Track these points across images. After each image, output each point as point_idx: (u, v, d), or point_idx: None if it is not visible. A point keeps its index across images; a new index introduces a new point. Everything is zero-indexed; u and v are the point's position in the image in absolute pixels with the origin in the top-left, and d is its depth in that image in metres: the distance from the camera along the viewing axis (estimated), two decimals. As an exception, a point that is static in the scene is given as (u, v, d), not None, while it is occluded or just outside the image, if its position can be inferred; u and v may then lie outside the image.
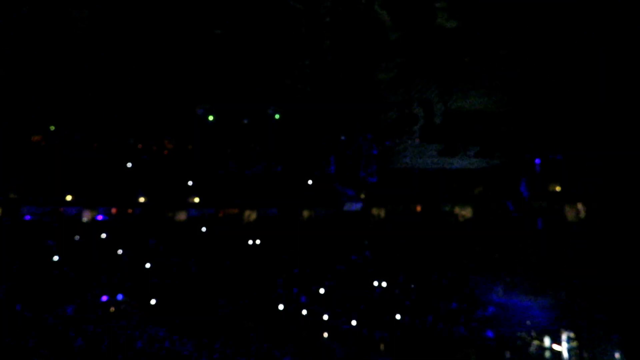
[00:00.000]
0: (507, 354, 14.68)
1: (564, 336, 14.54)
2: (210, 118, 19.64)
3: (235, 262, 18.30)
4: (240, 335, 15.79)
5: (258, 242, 19.04)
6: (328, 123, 19.70)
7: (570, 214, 18.40)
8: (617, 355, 13.96)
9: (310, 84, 18.91)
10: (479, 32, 16.95)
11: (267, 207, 19.43)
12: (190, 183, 19.68)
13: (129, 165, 19.72)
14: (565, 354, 14.29)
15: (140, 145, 19.98)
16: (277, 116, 19.69)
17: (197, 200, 19.52)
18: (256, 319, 16.44)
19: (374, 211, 19.37)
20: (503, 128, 19.10)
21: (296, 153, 19.94)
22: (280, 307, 16.75)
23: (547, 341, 14.64)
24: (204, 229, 19.22)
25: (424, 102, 19.31)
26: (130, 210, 19.57)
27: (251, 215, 19.25)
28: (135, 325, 16.07)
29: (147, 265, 18.24)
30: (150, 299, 17.01)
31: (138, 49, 18.30)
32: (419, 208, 19.42)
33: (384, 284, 17.42)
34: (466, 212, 19.14)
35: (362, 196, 19.45)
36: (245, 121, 18.80)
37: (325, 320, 16.34)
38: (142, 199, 19.54)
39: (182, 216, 19.34)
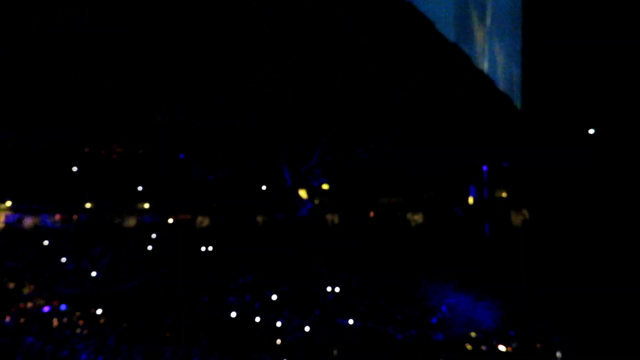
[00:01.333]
0: (456, 356, 15.05)
1: (509, 336, 15.07)
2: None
3: (186, 269, 17.91)
4: (190, 344, 15.42)
5: (211, 248, 18.73)
6: (285, 129, 19.71)
7: (515, 219, 19.20)
8: (558, 354, 14.60)
9: (274, 87, 18.87)
10: None
11: (220, 212, 19.17)
12: (140, 188, 19.15)
13: (75, 169, 18.97)
14: (510, 354, 14.81)
15: (87, 149, 19.26)
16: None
17: (147, 206, 19.00)
18: (207, 327, 16.12)
19: (328, 217, 19.50)
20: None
21: (251, 159, 19.82)
22: (233, 314, 16.51)
23: (493, 341, 15.14)
24: (154, 236, 18.73)
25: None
26: (75, 217, 18.80)
27: (204, 221, 18.94)
28: (79, 337, 15.40)
29: (93, 274, 17.56)
30: (97, 309, 16.35)
31: (86, 48, 17.74)
32: (372, 214, 19.72)
33: (337, 290, 17.51)
34: (418, 218, 19.58)
35: (316, 202, 19.56)
36: (199, 124, 18.49)
37: (279, 327, 16.23)
38: (88, 205, 18.82)
39: (131, 222, 18.75)
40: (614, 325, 14.61)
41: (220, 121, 19.38)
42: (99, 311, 16.26)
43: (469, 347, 15.12)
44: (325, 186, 19.92)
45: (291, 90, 19.03)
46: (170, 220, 19.17)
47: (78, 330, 15.60)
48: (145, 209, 19.00)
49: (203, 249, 18.76)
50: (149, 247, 18.64)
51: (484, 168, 19.69)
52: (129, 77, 18.86)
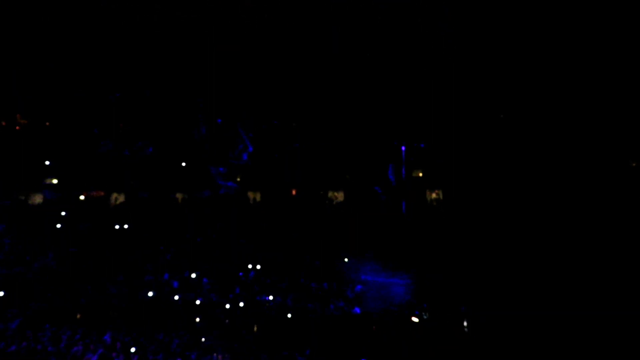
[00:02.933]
0: (373, 328, 15.67)
1: (422, 308, 15.90)
2: None
3: (99, 248, 17.09)
4: (104, 326, 14.80)
5: (126, 226, 17.99)
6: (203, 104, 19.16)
7: (430, 198, 20.12)
8: (465, 323, 15.63)
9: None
10: None
11: (137, 189, 18.40)
12: (47, 163, 17.90)
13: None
14: (421, 324, 15.65)
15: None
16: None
17: (55, 181, 17.79)
18: (122, 307, 15.55)
19: (250, 194, 19.35)
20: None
21: (171, 134, 19.14)
22: (150, 293, 16.05)
23: (406, 313, 15.92)
24: (63, 213, 17.64)
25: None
26: (-28, 193, 17.28)
27: (119, 198, 18.10)
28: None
29: (-6, 254, 16.31)
30: (-2, 291, 15.22)
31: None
32: (294, 192, 19.81)
33: (258, 267, 17.53)
34: (339, 196, 19.95)
35: (238, 179, 19.32)
36: (113, 97, 17.49)
37: (198, 305, 16.00)
38: (-13, 180, 17.37)
39: (37, 199, 17.50)
40: (516, 295, 15.82)
41: (138, 94, 18.49)
42: (0, 294, 15.15)
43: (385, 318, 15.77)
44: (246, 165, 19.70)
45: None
46: (82, 197, 18.16)
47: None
48: (53, 185, 17.82)
49: (117, 227, 17.97)
50: (58, 225, 17.57)
51: (402, 148, 20.36)
52: (35, 44, 17.43)
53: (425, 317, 15.85)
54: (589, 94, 19.00)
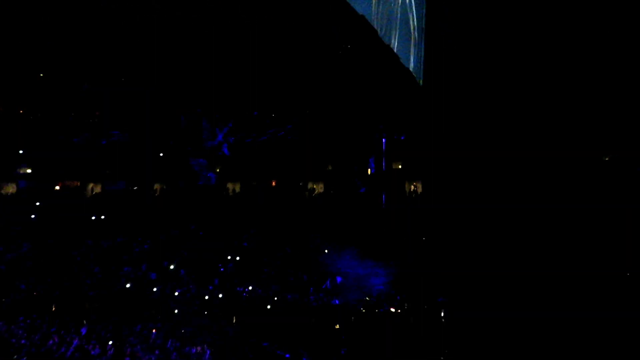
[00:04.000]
0: (352, 319, 15.79)
1: (398, 300, 16.07)
2: None
3: (75, 239, 16.79)
4: (79, 318, 14.60)
5: (103, 217, 17.70)
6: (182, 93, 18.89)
7: (409, 190, 20.32)
8: (442, 314, 15.85)
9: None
10: None
11: (114, 179, 18.11)
12: (21, 152, 17.46)
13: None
14: (399, 316, 15.84)
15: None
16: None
17: (29, 171, 17.38)
18: (99, 299, 15.34)
19: (230, 185, 19.23)
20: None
21: (148, 123, 18.84)
22: (127, 285, 15.87)
23: (384, 305, 16.08)
24: (37, 203, 17.26)
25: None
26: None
27: (95, 188, 17.79)
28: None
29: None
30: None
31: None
32: (274, 183, 19.77)
33: (237, 258, 17.47)
34: (319, 188, 19.99)
35: (217, 170, 19.17)
36: (86, 87, 17.10)
37: (176, 297, 15.89)
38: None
39: (10, 189, 17.07)
40: (493, 287, 16.10)
41: (111, 85, 18.07)
42: (-28, 285, 14.82)
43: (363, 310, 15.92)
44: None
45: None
46: (57, 187, 17.79)
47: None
48: (27, 174, 17.41)
49: (93, 217, 17.68)
50: (32, 216, 17.21)
51: (383, 140, 20.49)
52: (7, 32, 16.93)
53: (403, 307, 16.03)
54: (573, 90, 19.39)
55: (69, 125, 18.42)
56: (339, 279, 17.25)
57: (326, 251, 18.20)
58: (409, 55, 21.61)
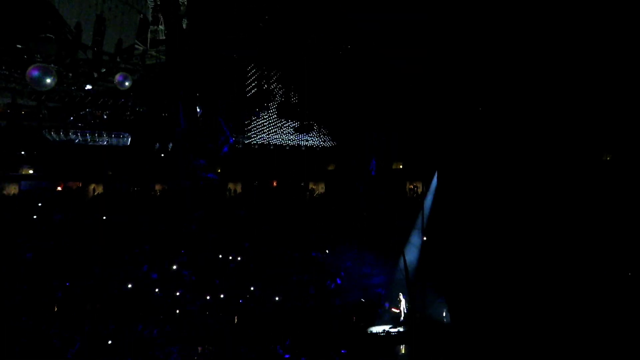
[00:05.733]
0: (353, 318, 15.80)
1: (400, 299, 16.09)
2: None
3: (77, 239, 16.83)
4: (82, 318, 14.61)
5: (104, 218, 17.76)
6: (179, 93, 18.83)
7: (409, 190, 20.35)
8: (444, 313, 15.88)
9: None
10: None
11: (116, 180, 18.15)
12: (23, 153, 17.54)
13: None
14: (402, 315, 15.87)
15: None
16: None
17: (31, 172, 17.46)
18: (101, 299, 15.35)
19: (231, 186, 19.27)
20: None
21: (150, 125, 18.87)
22: (129, 285, 15.89)
23: (386, 304, 16.11)
24: (40, 204, 17.34)
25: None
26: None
27: (97, 189, 17.85)
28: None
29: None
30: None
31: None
32: (274, 183, 19.81)
33: (239, 259, 17.50)
34: (319, 189, 20.03)
35: (219, 170, 19.20)
36: (88, 87, 17.12)
37: (177, 297, 15.90)
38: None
39: (12, 189, 17.16)
40: (493, 287, 16.11)
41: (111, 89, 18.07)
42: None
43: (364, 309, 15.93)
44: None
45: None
46: (59, 188, 17.85)
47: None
48: (29, 175, 17.49)
49: (95, 218, 17.74)
50: (34, 217, 17.27)
51: (383, 141, 20.51)
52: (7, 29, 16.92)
53: (402, 307, 16.03)
54: (569, 91, 19.39)
55: (72, 126, 18.39)
56: (338, 280, 17.27)
57: (327, 251, 18.23)
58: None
